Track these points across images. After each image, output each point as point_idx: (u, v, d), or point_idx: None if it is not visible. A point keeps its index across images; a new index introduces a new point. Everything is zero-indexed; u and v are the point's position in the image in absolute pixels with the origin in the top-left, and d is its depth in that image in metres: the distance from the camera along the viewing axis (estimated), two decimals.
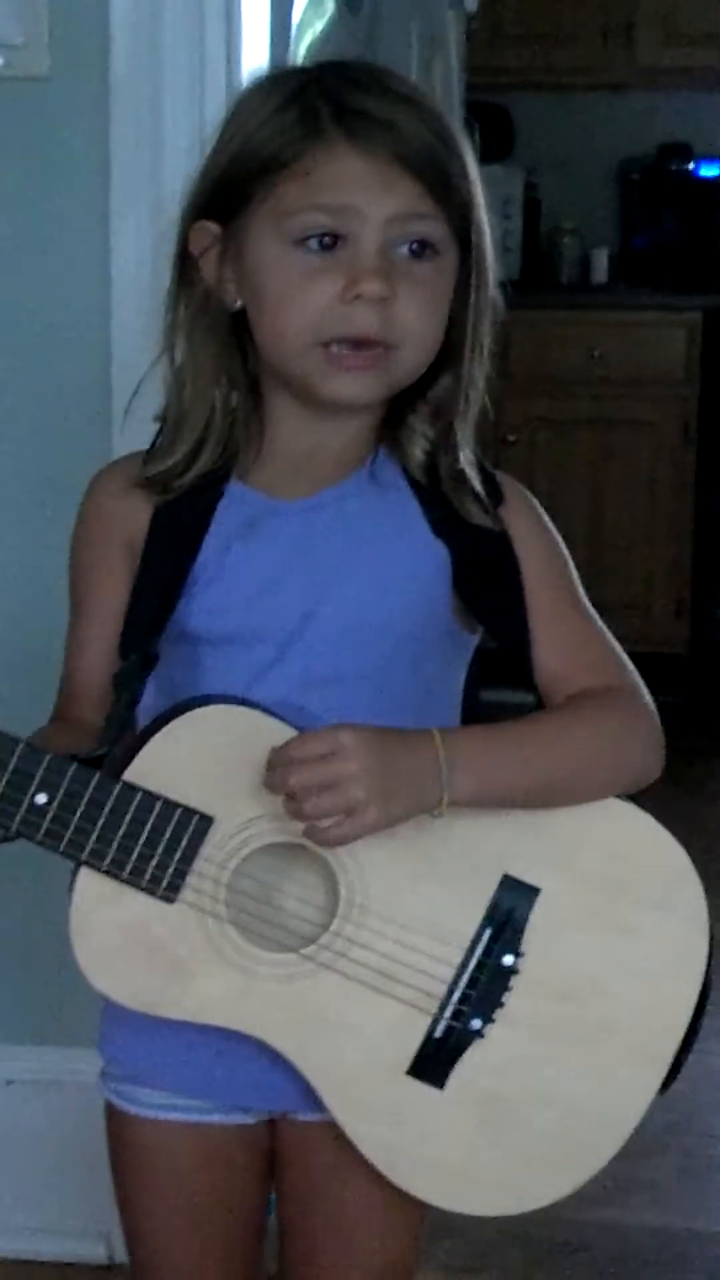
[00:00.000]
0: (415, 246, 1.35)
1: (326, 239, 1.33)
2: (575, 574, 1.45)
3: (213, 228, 1.39)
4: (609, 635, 1.44)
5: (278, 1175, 1.50)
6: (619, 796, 1.40)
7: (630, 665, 1.43)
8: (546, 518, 1.46)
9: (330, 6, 2.80)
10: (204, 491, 1.42)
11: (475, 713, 1.48)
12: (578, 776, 1.38)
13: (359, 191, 1.33)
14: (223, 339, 1.41)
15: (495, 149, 5.13)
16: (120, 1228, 1.54)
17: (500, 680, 1.47)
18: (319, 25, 2.75)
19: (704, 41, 5.04)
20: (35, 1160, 2.31)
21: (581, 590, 1.45)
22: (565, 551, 1.45)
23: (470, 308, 1.40)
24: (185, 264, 1.41)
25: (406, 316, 1.35)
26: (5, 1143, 2.32)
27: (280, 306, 1.35)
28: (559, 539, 1.46)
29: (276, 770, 1.30)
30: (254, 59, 2.19)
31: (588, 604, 1.45)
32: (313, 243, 1.34)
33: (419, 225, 1.35)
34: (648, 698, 1.42)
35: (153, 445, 1.45)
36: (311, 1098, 1.39)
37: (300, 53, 2.57)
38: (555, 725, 1.39)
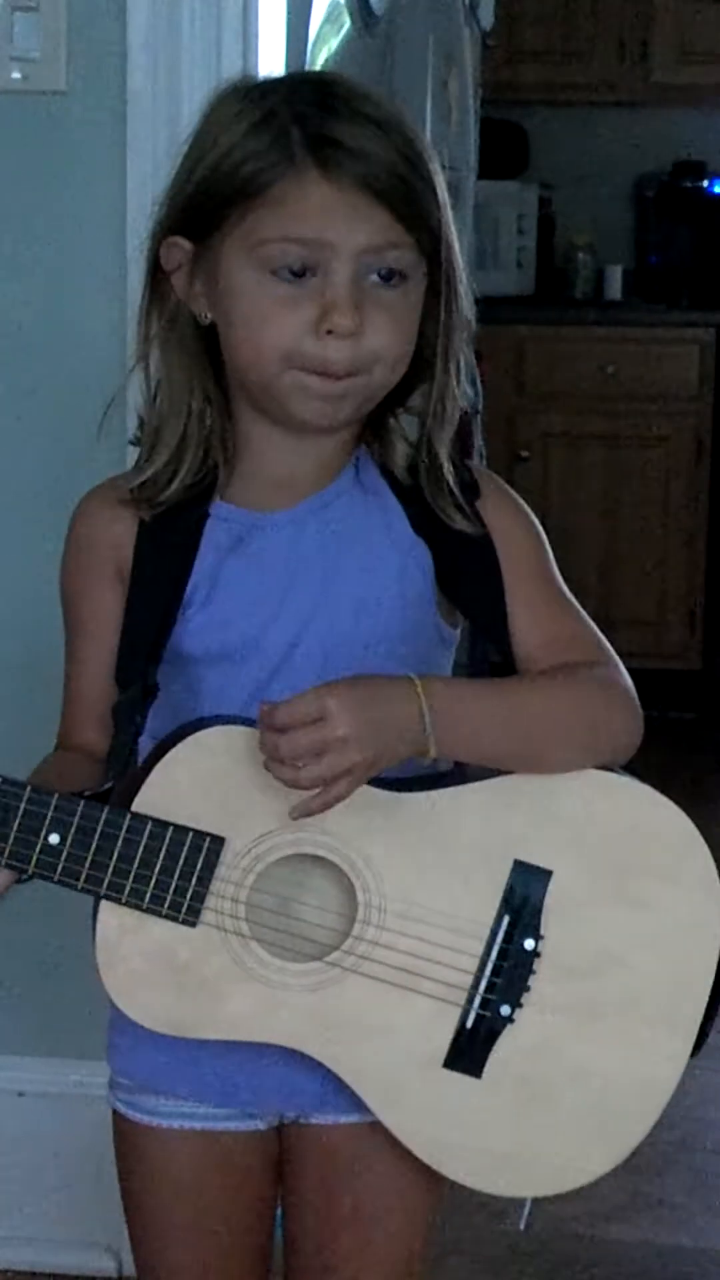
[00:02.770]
0: (385, 273, 1.36)
1: (298, 268, 1.34)
2: (551, 558, 1.47)
3: (185, 245, 1.39)
4: (584, 615, 1.46)
5: (287, 1180, 1.50)
6: (613, 769, 1.41)
7: (607, 644, 1.45)
8: (523, 505, 1.47)
9: (346, 23, 2.81)
10: (189, 511, 1.42)
11: None
12: (557, 732, 1.38)
13: (331, 224, 1.33)
14: (194, 353, 1.42)
15: (510, 165, 5.14)
16: (128, 1240, 1.54)
17: None
18: (334, 42, 2.76)
19: (718, 59, 5.04)
20: (45, 1172, 2.31)
21: (557, 573, 1.47)
22: (542, 537, 1.47)
23: (441, 323, 1.41)
24: (157, 278, 1.42)
25: (376, 343, 1.36)
26: (16, 1154, 2.32)
27: (252, 332, 1.36)
28: (536, 526, 1.47)
29: (266, 735, 1.31)
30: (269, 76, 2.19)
31: (563, 586, 1.46)
32: (284, 272, 1.34)
33: (388, 254, 1.36)
34: (624, 672, 1.44)
35: (135, 466, 1.46)
36: (333, 1097, 1.41)
37: (317, 67, 2.57)
38: (535, 681, 1.41)
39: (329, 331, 1.34)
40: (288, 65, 2.33)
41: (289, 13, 2.32)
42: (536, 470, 4.75)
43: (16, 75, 2.18)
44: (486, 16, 3.88)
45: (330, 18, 2.74)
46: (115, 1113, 1.50)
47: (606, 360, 4.87)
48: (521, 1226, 1.48)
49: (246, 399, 1.41)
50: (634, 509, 4.88)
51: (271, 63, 2.23)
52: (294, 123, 1.34)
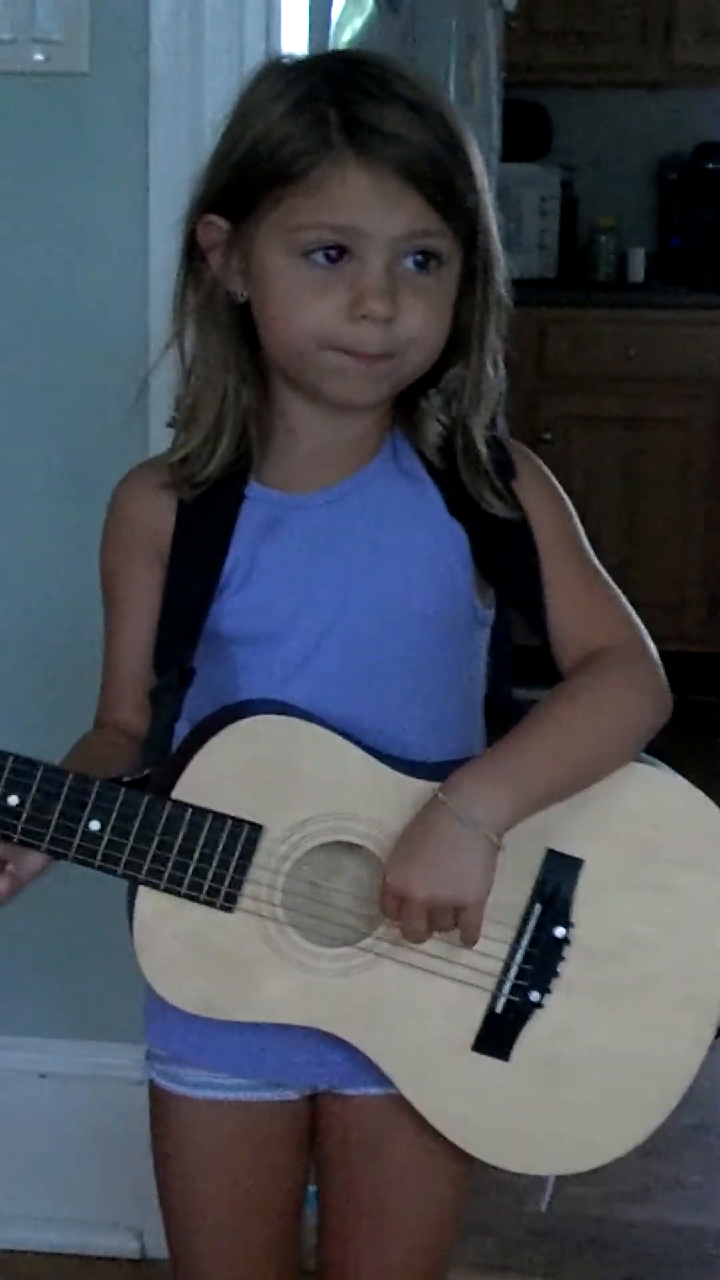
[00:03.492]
0: (420, 259, 1.36)
1: (333, 252, 1.34)
2: (582, 534, 1.48)
3: (221, 224, 1.39)
4: (615, 590, 1.47)
5: (318, 1149, 1.52)
6: (641, 754, 1.43)
7: (635, 619, 1.46)
8: (555, 483, 1.48)
9: (369, 4, 2.80)
10: (226, 493, 1.43)
11: (507, 708, 1.49)
12: (601, 751, 1.40)
13: (366, 211, 1.33)
14: (229, 330, 1.42)
15: (532, 147, 5.12)
16: (156, 1219, 1.55)
17: (530, 678, 1.49)
18: (358, 22, 2.75)
19: None
20: (68, 1154, 2.32)
21: (589, 550, 1.47)
22: (573, 513, 1.48)
23: (477, 306, 1.41)
24: (193, 255, 1.42)
25: (411, 327, 1.36)
26: (38, 1136, 2.33)
27: (286, 314, 1.36)
28: (567, 502, 1.48)
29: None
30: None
31: (595, 563, 1.47)
32: (319, 256, 1.35)
33: (424, 240, 1.36)
34: (650, 649, 1.45)
35: (173, 446, 1.46)
36: (360, 1071, 1.42)
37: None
38: (565, 713, 1.41)
39: (363, 316, 1.34)
40: (311, 46, 2.32)
41: None
42: (558, 453, 4.74)
43: (39, 57, 2.17)
44: None
45: None
46: (151, 1083, 1.52)
47: (629, 342, 4.85)
48: (543, 1208, 1.49)
49: (281, 376, 1.41)
50: (655, 492, 4.87)
51: (294, 43, 2.22)
52: (332, 105, 1.33)
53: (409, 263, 1.36)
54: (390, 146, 1.33)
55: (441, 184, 1.35)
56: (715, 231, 5.14)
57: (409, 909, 1.35)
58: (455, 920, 1.36)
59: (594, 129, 5.32)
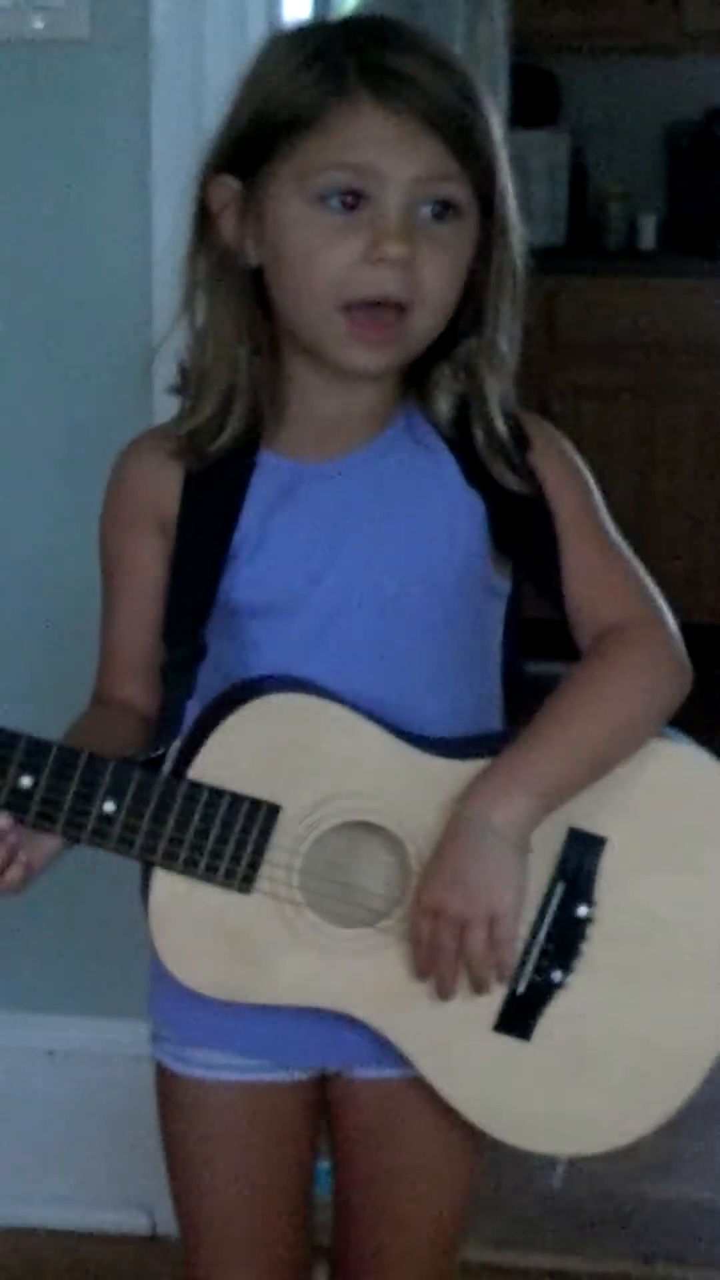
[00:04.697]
0: (437, 208, 1.34)
1: (349, 198, 1.32)
2: (601, 505, 1.46)
3: (232, 183, 1.37)
4: (633, 561, 1.45)
5: (333, 1131, 1.51)
6: (667, 728, 1.41)
7: (652, 588, 1.44)
8: (573, 452, 1.46)
9: None
10: (235, 463, 1.41)
11: (519, 681, 1.48)
12: (618, 739, 1.39)
13: (384, 151, 1.32)
14: (242, 297, 1.40)
15: (541, 114, 5.09)
16: (165, 1196, 1.55)
17: (546, 652, 1.47)
18: None
19: None
20: (77, 1132, 2.32)
21: (607, 519, 1.45)
22: (593, 486, 1.46)
23: (492, 273, 1.39)
24: (204, 220, 1.40)
25: (427, 278, 1.34)
26: (47, 1114, 2.33)
27: (301, 265, 1.34)
28: (586, 473, 1.46)
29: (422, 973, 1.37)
30: (294, 21, 2.17)
31: (612, 533, 1.45)
32: (334, 201, 1.32)
33: (443, 186, 1.34)
34: (668, 621, 1.43)
35: (180, 415, 1.44)
36: (376, 1050, 1.41)
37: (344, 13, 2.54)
38: (579, 704, 1.39)
39: (380, 260, 1.32)
40: (314, 11, 2.30)
41: None
42: (569, 423, 4.68)
43: (39, 24, 2.16)
44: None
45: None
46: (158, 1065, 1.51)
47: (640, 312, 4.83)
48: (556, 1184, 1.48)
49: (295, 343, 1.39)
50: (668, 463, 4.85)
51: (297, 9, 2.21)
52: (349, 54, 1.32)
53: (426, 211, 1.34)
54: (409, 90, 1.31)
55: (461, 129, 1.33)
56: None
57: (442, 924, 1.35)
58: (490, 933, 1.35)
59: (603, 95, 5.29)
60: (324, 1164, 1.54)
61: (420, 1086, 1.42)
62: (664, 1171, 2.44)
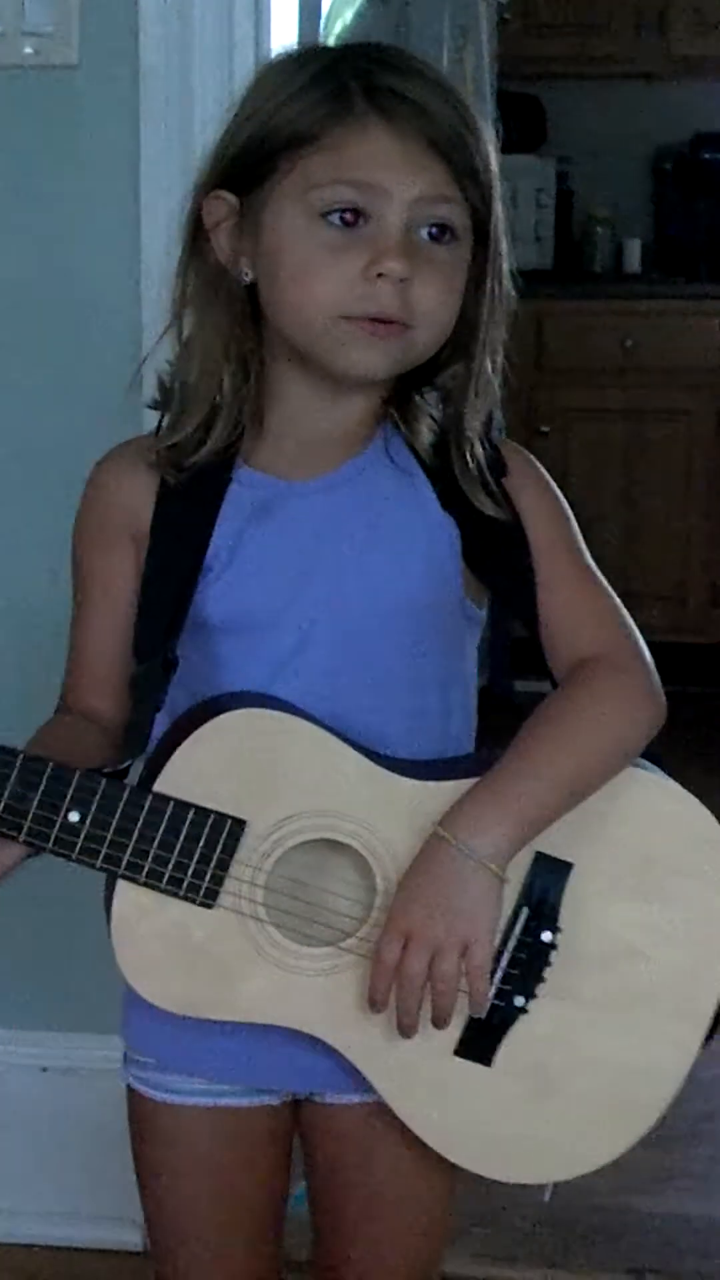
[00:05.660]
0: (435, 230, 1.35)
1: (349, 215, 1.33)
2: (577, 533, 1.45)
3: (229, 198, 1.37)
4: (608, 590, 1.44)
5: (307, 1156, 1.50)
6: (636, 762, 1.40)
7: (628, 620, 1.43)
8: (550, 481, 1.46)
9: None
10: (212, 476, 1.41)
11: (508, 701, 1.48)
12: (593, 769, 1.37)
13: (388, 170, 1.32)
14: (231, 314, 1.39)
15: (528, 139, 5.11)
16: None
17: (533, 670, 1.47)
18: (348, 14, 2.75)
19: None
20: (70, 1147, 2.32)
21: (583, 548, 1.45)
22: (568, 512, 1.45)
23: (484, 299, 1.39)
24: (197, 236, 1.40)
25: (424, 298, 1.34)
26: (40, 1129, 2.33)
27: (301, 279, 1.34)
28: (562, 501, 1.45)
29: (378, 985, 1.34)
30: (282, 47, 2.18)
31: (588, 561, 1.45)
32: (335, 218, 1.33)
33: (442, 209, 1.35)
34: (642, 651, 1.42)
35: (158, 428, 1.43)
36: (343, 1075, 1.40)
37: (330, 43, 2.56)
38: (556, 734, 1.38)
39: (379, 276, 1.32)
40: (301, 38, 2.32)
41: None
42: (557, 445, 4.72)
43: (29, 50, 2.17)
44: None
45: None
46: (129, 1089, 1.50)
47: (626, 334, 4.85)
48: (546, 1198, 1.47)
49: (286, 357, 1.39)
50: (655, 483, 4.86)
51: (284, 35, 2.23)
52: (354, 76, 1.33)
53: (424, 233, 1.34)
54: (415, 113, 1.32)
55: (461, 155, 1.34)
56: (712, 222, 5.14)
57: (414, 949, 1.32)
58: (461, 956, 1.33)
59: (590, 120, 5.31)
60: (304, 1182, 1.53)
61: (385, 1113, 1.41)
62: (654, 1186, 2.43)
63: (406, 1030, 1.34)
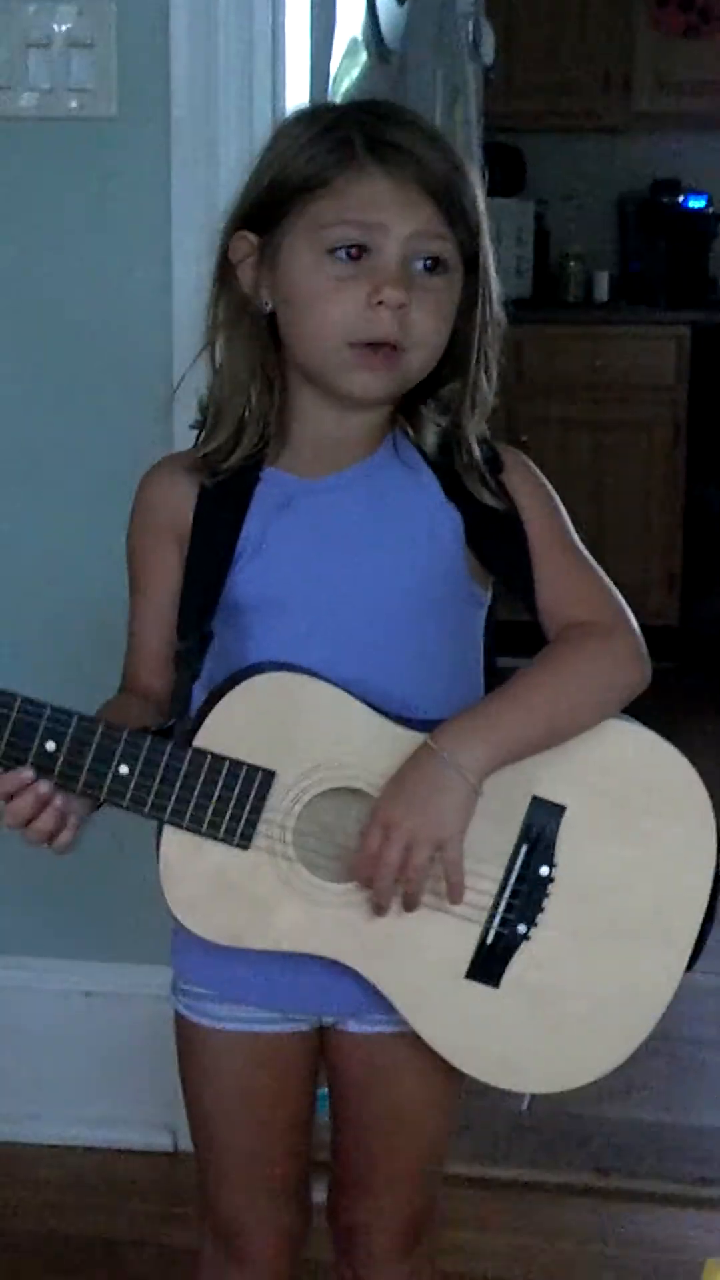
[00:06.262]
0: (429, 262, 1.35)
1: (354, 250, 1.33)
2: (568, 523, 1.45)
3: (251, 237, 1.38)
4: (597, 569, 1.44)
5: (331, 1074, 1.50)
6: (620, 713, 1.40)
7: (617, 596, 1.43)
8: (542, 477, 1.46)
9: (364, 57, 2.78)
10: (241, 478, 1.41)
11: (493, 674, 1.47)
12: (575, 709, 1.37)
13: (386, 210, 1.33)
14: (255, 338, 1.40)
15: (510, 184, 5.10)
16: (185, 1121, 1.54)
17: (514, 649, 1.47)
18: (355, 73, 2.73)
19: (692, 90, 5.02)
20: (110, 1062, 2.32)
21: (573, 535, 1.45)
22: (559, 506, 1.45)
23: (476, 322, 1.40)
24: (225, 271, 1.40)
25: (419, 322, 1.35)
26: (83, 1047, 2.33)
27: (312, 308, 1.35)
28: (554, 495, 1.45)
29: (359, 872, 1.34)
30: (296, 102, 2.17)
31: (578, 544, 1.44)
32: (341, 253, 1.33)
33: (434, 244, 1.35)
34: (629, 621, 1.42)
35: (197, 441, 1.45)
36: (366, 1002, 1.40)
37: (338, 98, 2.54)
38: (545, 673, 1.38)
39: (379, 303, 1.33)
40: (312, 94, 2.30)
41: (313, 49, 2.30)
42: (533, 452, 4.68)
43: (74, 104, 2.17)
44: (488, 53, 3.83)
45: (349, 53, 2.72)
46: (177, 1015, 1.50)
47: (595, 355, 4.84)
48: (524, 1108, 1.47)
49: (302, 376, 1.40)
50: (619, 486, 4.86)
51: (298, 94, 2.21)
52: (357, 129, 1.34)
53: (419, 265, 1.35)
54: (408, 161, 1.33)
55: (451, 197, 1.35)
56: (669, 257, 5.13)
57: (391, 838, 1.32)
58: (437, 850, 1.32)
59: (563, 169, 5.30)
60: (324, 1089, 1.54)
61: (403, 1041, 1.41)
62: (619, 1096, 2.44)
63: (380, 910, 1.34)
